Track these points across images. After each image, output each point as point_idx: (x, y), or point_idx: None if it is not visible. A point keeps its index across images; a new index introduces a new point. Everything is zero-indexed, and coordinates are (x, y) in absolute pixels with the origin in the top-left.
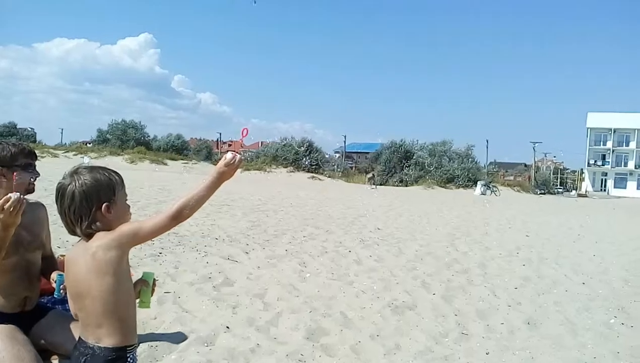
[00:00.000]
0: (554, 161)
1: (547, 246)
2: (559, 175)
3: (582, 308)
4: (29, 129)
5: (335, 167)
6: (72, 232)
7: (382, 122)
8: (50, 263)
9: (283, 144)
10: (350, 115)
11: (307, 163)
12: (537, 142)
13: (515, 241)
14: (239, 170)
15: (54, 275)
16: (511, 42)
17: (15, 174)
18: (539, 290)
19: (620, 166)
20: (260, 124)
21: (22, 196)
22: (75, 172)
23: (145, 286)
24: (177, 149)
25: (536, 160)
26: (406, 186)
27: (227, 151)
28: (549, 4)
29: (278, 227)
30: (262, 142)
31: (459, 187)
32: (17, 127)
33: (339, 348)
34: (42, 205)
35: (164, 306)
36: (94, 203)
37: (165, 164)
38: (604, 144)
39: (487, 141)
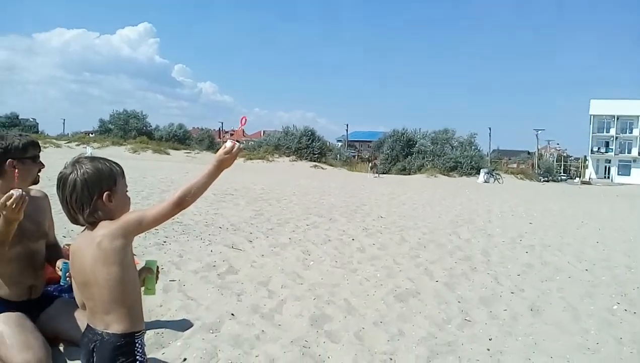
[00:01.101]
0: (558, 148)
1: (550, 233)
2: (562, 163)
3: (585, 295)
4: (31, 120)
5: (338, 155)
6: (74, 221)
7: (384, 110)
8: (55, 252)
9: (285, 132)
10: (352, 104)
11: (309, 152)
12: (540, 130)
13: (518, 228)
14: (240, 159)
15: (60, 263)
16: (514, 29)
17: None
18: (542, 277)
19: (624, 153)
20: (262, 113)
21: (23, 193)
22: (77, 162)
23: (149, 274)
24: (180, 139)
25: (539, 147)
26: (409, 174)
27: (227, 140)
28: None
29: (281, 216)
30: (264, 131)
31: (462, 175)
32: (20, 117)
33: (342, 335)
34: (45, 194)
35: (169, 294)
36: (95, 192)
37: (168, 154)
38: (607, 131)
39: (490, 129)
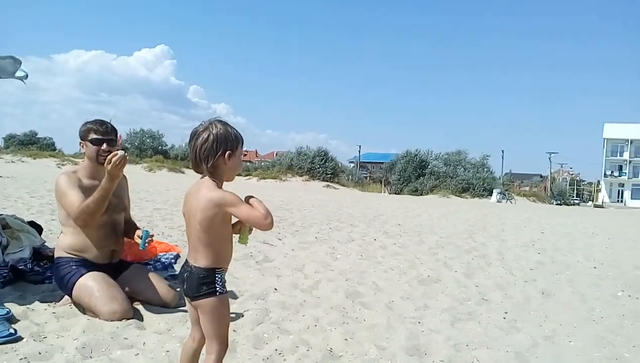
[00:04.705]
0: (570, 172)
1: (561, 240)
2: (575, 186)
3: (592, 284)
4: (48, 138)
5: (350, 176)
6: (196, 169)
7: (395, 133)
8: (130, 226)
9: (298, 153)
10: (363, 126)
11: (322, 172)
12: (553, 153)
13: (531, 236)
14: (254, 178)
15: (140, 232)
16: (526, 53)
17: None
18: (553, 271)
19: (638, 177)
20: (274, 135)
21: (125, 154)
22: (211, 122)
23: (244, 226)
24: None
25: (552, 171)
26: (421, 195)
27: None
28: (562, 9)
29: (305, 221)
30: (276, 153)
31: (474, 197)
32: (37, 136)
33: (375, 305)
34: (124, 175)
35: None
36: (221, 148)
37: (183, 173)
38: (621, 155)
39: (503, 151)
